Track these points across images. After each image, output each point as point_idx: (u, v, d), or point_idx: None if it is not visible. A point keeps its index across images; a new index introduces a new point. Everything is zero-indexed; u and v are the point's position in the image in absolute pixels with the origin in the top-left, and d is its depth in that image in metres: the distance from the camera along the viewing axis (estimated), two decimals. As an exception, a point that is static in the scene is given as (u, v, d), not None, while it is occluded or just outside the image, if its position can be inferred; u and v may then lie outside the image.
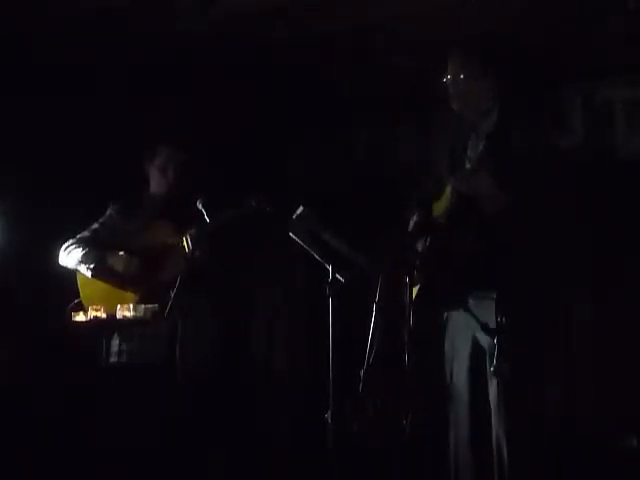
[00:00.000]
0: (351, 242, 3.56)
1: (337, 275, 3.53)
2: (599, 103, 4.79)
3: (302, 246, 3.58)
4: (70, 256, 4.15)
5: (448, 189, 3.49)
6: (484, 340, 3.39)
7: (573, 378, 4.76)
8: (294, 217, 3.54)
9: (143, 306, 3.85)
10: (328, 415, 3.46)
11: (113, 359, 4.05)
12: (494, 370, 3.13)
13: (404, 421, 3.20)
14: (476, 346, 3.46)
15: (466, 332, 3.49)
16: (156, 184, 4.25)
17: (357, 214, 4.98)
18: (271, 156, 5.18)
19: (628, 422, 4.54)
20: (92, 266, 4.09)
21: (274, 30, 4.55)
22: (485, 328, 3.21)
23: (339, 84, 5.07)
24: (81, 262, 4.11)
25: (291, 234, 3.55)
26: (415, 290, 3.30)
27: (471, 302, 3.35)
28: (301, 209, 3.53)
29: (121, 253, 4.08)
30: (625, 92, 4.80)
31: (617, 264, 4.70)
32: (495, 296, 3.31)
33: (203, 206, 3.94)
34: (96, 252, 4.12)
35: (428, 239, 3.45)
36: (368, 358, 3.35)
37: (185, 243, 4.03)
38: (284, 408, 5.09)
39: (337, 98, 5.15)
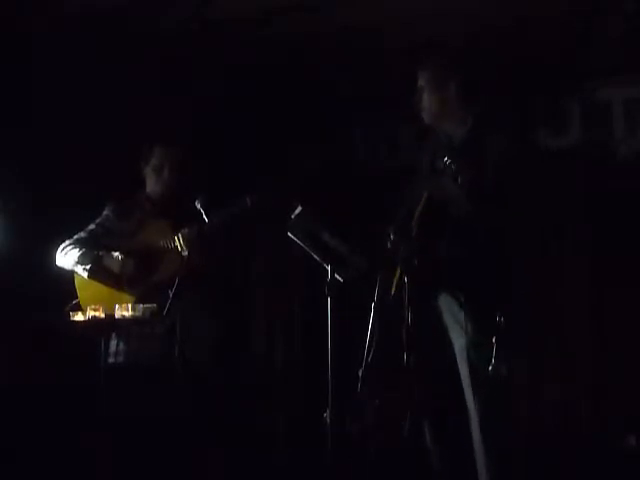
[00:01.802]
0: (350, 241, 3.56)
1: (336, 275, 3.53)
2: (598, 103, 4.80)
3: (301, 246, 3.58)
4: (67, 257, 4.15)
5: (424, 195, 3.49)
6: (456, 340, 3.40)
7: (573, 378, 4.77)
8: (293, 217, 3.54)
9: (142, 306, 3.84)
10: (327, 415, 3.46)
11: (112, 359, 4.05)
12: (492, 370, 3.13)
13: (402, 421, 3.20)
14: (449, 346, 3.46)
15: (440, 332, 3.49)
16: (152, 184, 4.24)
17: (357, 214, 4.98)
18: (271, 156, 5.18)
19: (628, 422, 4.54)
20: (89, 267, 4.09)
21: (274, 30, 4.55)
22: (482, 327, 3.21)
23: (339, 84, 5.08)
24: (77, 263, 4.12)
25: (290, 234, 3.55)
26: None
27: (446, 303, 3.37)
28: (300, 209, 3.53)
29: (117, 254, 4.08)
30: (624, 92, 4.80)
31: (617, 264, 4.70)
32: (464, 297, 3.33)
33: (202, 206, 3.94)
34: (92, 253, 4.12)
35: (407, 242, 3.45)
36: (367, 357, 3.35)
37: (178, 243, 4.02)
38: (283, 408, 5.10)
39: (337, 98, 5.16)
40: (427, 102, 3.59)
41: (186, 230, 4.01)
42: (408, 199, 3.58)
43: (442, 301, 3.45)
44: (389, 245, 3.39)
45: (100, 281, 4.10)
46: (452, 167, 3.34)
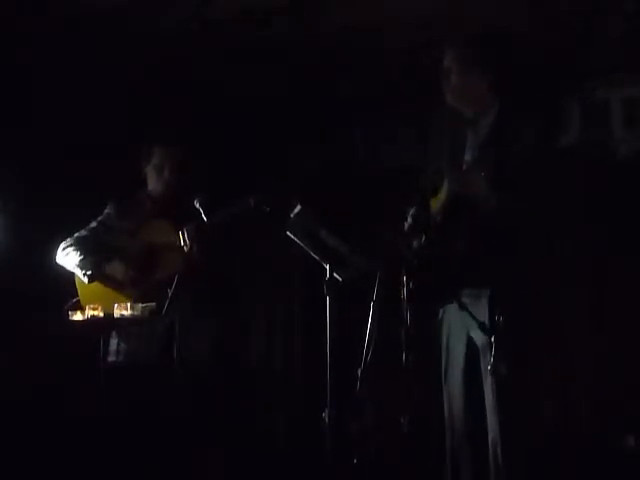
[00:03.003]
0: (350, 241, 3.56)
1: (335, 274, 3.52)
2: (598, 102, 4.80)
3: (300, 245, 3.58)
4: (68, 258, 4.16)
5: (445, 187, 3.48)
6: (478, 338, 3.38)
7: (573, 377, 4.76)
8: (292, 216, 3.54)
9: (141, 305, 3.84)
10: (325, 414, 3.46)
11: (111, 358, 4.06)
12: (491, 369, 3.12)
13: (402, 420, 3.20)
14: (470, 344, 3.45)
15: (461, 330, 3.48)
16: (153, 183, 4.25)
17: (357, 214, 4.98)
18: (271, 156, 5.18)
19: (628, 422, 4.54)
20: (89, 273, 4.10)
21: (274, 30, 4.55)
22: (482, 327, 3.20)
23: (339, 84, 5.08)
24: (78, 267, 4.13)
25: (289, 233, 3.55)
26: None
27: (465, 300, 3.34)
28: (299, 208, 3.53)
29: (118, 263, 4.09)
30: (623, 91, 4.80)
31: (617, 264, 4.70)
32: (488, 294, 3.31)
33: (200, 204, 3.95)
34: (93, 259, 4.12)
35: (424, 236, 3.45)
36: (366, 357, 3.34)
37: (181, 238, 4.02)
38: (282, 407, 5.09)
39: (337, 98, 5.16)
40: (455, 81, 3.51)
41: (189, 227, 4.01)
42: (424, 187, 3.58)
43: (446, 302, 3.45)
44: (405, 227, 3.39)
45: (102, 284, 4.12)
46: (479, 157, 3.32)
